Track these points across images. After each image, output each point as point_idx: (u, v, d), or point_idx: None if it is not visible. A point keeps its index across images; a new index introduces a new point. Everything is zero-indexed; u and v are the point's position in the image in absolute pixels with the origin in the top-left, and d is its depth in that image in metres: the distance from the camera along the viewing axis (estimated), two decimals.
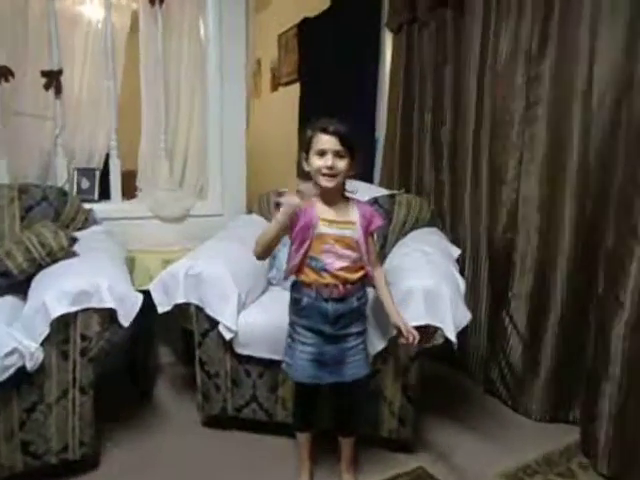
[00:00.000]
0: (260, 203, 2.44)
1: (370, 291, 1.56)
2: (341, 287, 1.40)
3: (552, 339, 1.93)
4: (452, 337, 1.54)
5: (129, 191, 2.54)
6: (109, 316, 1.49)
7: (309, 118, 3.37)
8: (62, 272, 1.56)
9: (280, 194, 1.44)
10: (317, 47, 3.43)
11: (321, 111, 3.26)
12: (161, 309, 1.76)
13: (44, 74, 2.14)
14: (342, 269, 1.38)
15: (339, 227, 1.38)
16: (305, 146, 1.39)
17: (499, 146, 2.07)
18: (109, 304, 1.46)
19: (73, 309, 1.43)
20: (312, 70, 3.53)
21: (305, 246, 1.37)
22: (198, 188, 2.55)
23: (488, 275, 2.21)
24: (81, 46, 2.33)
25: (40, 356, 1.41)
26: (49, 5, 2.13)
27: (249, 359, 1.75)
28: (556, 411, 1.97)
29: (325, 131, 1.34)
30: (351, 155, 1.36)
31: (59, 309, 1.40)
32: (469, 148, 2.24)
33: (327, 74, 3.28)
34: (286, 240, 2.17)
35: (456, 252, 2.06)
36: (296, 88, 3.76)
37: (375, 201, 2.25)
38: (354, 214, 1.41)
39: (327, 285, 1.39)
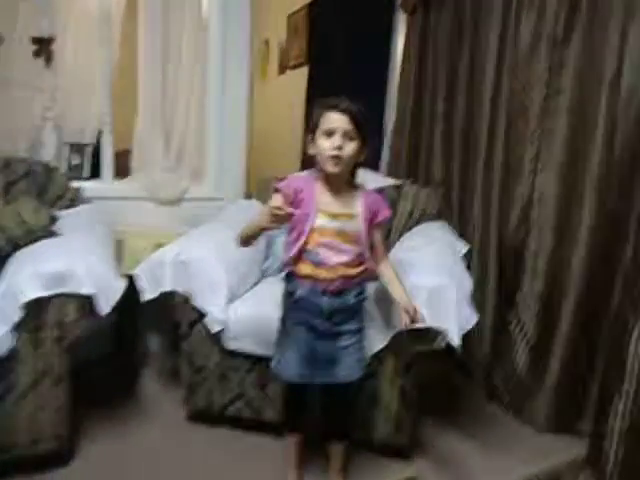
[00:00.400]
0: (260, 188, 2.32)
1: (371, 286, 1.45)
2: (338, 282, 1.28)
3: (562, 346, 1.81)
4: (456, 341, 1.42)
5: (122, 171, 2.42)
6: (87, 303, 1.38)
7: (315, 101, 3.27)
8: (39, 252, 1.45)
9: (282, 180, 1.31)
10: (328, 29, 3.28)
11: (328, 94, 3.17)
12: (147, 296, 1.65)
13: (34, 41, 2.02)
14: (341, 264, 1.26)
15: (340, 220, 1.26)
16: (312, 127, 1.26)
17: (515, 138, 1.94)
18: (86, 289, 1.35)
19: (47, 293, 1.32)
20: (322, 53, 3.38)
21: (302, 239, 1.26)
22: (195, 171, 2.43)
23: (496, 273, 2.08)
24: (76, 11, 2.19)
25: (10, 342, 1.31)
26: None
27: (237, 354, 1.64)
28: (562, 422, 1.85)
29: (335, 108, 1.22)
30: (362, 139, 1.24)
31: (31, 292, 1.30)
32: (483, 138, 2.10)
33: (337, 57, 3.13)
34: (284, 228, 2.11)
35: (463, 248, 1.94)
36: (304, 72, 3.61)
37: (380, 192, 2.12)
38: (359, 205, 1.29)
39: (323, 279, 1.28)
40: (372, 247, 1.33)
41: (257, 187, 2.33)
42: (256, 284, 1.90)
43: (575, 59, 1.73)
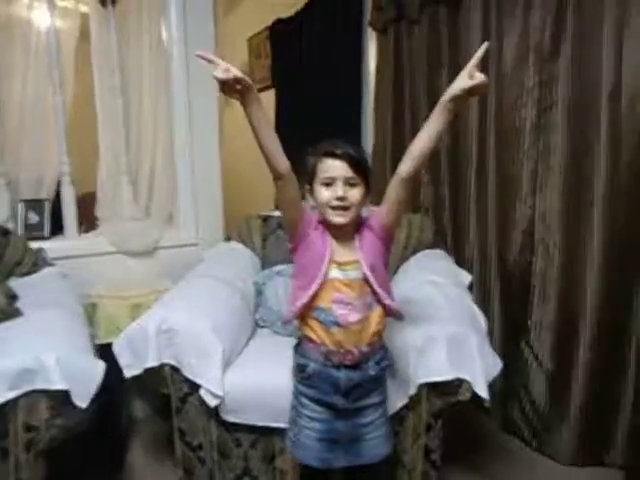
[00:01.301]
0: (240, 229, 2.15)
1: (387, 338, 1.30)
2: (356, 351, 1.11)
3: (582, 374, 1.70)
4: (484, 393, 1.29)
5: (89, 219, 2.22)
6: (61, 397, 1.18)
7: (286, 128, 3.13)
8: None
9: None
10: (292, 50, 3.16)
11: (299, 121, 3.03)
12: (129, 373, 1.45)
13: None
14: (357, 322, 1.10)
15: (350, 268, 1.10)
16: (308, 177, 1.12)
17: (509, 157, 1.84)
18: (59, 385, 1.15)
19: (11, 395, 1.12)
20: (287, 75, 3.26)
21: (313, 288, 1.08)
22: (167, 215, 2.24)
23: (500, 300, 1.97)
24: (21, 58, 1.98)
25: None
26: None
27: (239, 426, 1.46)
28: (589, 454, 1.74)
29: (331, 155, 1.07)
30: (366, 182, 1.09)
31: None
32: (472, 159, 2.00)
33: (303, 79, 3.01)
34: (271, 273, 1.94)
35: (467, 278, 1.82)
36: (271, 95, 3.48)
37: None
38: (356, 244, 1.12)
39: (338, 349, 1.11)
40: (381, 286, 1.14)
41: (237, 228, 2.16)
42: (250, 338, 1.73)
43: (567, 72, 1.65)
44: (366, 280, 1.10)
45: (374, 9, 2.40)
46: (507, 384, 1.96)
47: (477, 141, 1.97)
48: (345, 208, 1.07)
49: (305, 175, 1.15)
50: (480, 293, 2.05)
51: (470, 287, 1.89)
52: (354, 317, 1.10)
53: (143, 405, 2.11)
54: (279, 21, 3.31)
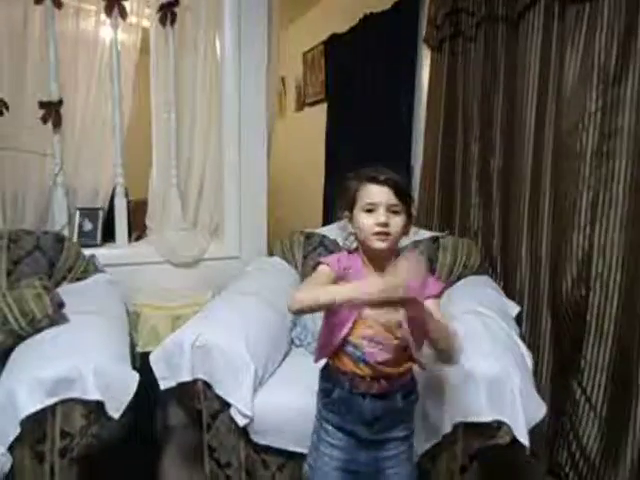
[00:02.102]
0: (283, 244, 2.16)
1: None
2: (383, 381, 1.08)
3: None
4: (524, 440, 1.21)
5: (141, 224, 2.30)
6: (96, 406, 1.21)
7: (336, 142, 3.12)
8: (41, 349, 1.29)
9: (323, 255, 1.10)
10: (346, 65, 3.16)
11: (349, 136, 3.02)
12: (164, 385, 1.48)
13: (42, 105, 1.91)
14: (385, 363, 1.07)
15: (386, 308, 1.07)
16: (348, 203, 1.10)
17: (566, 184, 1.73)
18: (94, 395, 1.18)
19: (50, 402, 1.16)
20: (340, 90, 3.27)
21: (347, 328, 1.07)
22: (213, 227, 2.28)
23: (552, 335, 1.86)
24: (85, 72, 2.10)
25: (7, 463, 1.14)
26: (48, 27, 1.91)
27: (268, 448, 1.45)
28: None
29: (374, 181, 1.05)
30: (407, 210, 1.06)
31: (31, 404, 1.13)
32: (526, 184, 1.90)
33: (356, 94, 3.00)
34: None
35: (514, 310, 1.74)
36: (323, 108, 3.50)
37: (415, 246, 1.94)
38: None
39: (364, 377, 1.08)
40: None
41: (279, 243, 2.16)
42: (284, 357, 1.71)
43: (633, 96, 1.53)
44: (401, 326, 1.06)
45: (429, 25, 2.35)
46: (556, 425, 1.83)
47: (532, 165, 1.88)
48: (387, 234, 1.04)
49: (344, 200, 1.13)
50: (529, 326, 1.94)
51: (518, 319, 1.80)
52: (382, 357, 1.07)
53: (179, 412, 2.14)
54: (334, 36, 3.33)
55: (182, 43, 2.18)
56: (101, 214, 2.08)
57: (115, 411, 1.22)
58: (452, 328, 1.09)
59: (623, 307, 1.60)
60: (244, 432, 1.44)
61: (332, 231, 2.10)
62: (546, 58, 1.79)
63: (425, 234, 1.99)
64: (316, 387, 1.20)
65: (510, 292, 1.95)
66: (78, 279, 1.82)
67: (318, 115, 3.58)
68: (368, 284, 0.97)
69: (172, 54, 2.12)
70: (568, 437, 1.76)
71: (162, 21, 2.07)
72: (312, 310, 1.04)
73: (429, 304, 1.09)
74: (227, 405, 1.43)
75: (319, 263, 1.13)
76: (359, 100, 2.97)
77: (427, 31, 2.38)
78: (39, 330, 1.38)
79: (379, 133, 2.76)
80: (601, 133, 1.63)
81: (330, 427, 1.14)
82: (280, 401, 1.44)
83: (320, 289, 1.03)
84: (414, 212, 1.13)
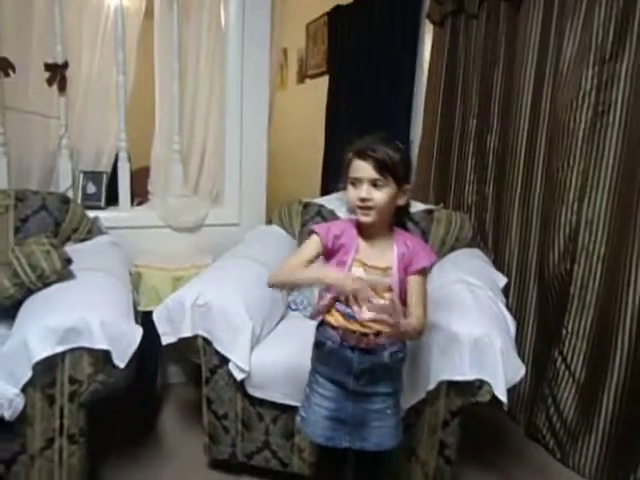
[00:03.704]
0: (281, 213, 2.21)
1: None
2: (372, 337, 1.16)
3: (615, 389, 1.65)
4: (503, 397, 1.29)
5: (142, 191, 2.34)
6: (103, 356, 1.29)
7: (338, 115, 3.14)
8: (50, 302, 1.36)
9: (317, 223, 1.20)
10: (349, 38, 3.16)
11: (351, 108, 3.04)
12: (165, 340, 1.56)
13: (47, 67, 1.94)
14: (374, 320, 1.14)
15: (375, 273, 1.14)
16: (345, 173, 1.15)
17: (558, 159, 1.78)
18: (101, 344, 1.25)
19: (59, 349, 1.23)
20: (342, 63, 3.27)
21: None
22: (214, 194, 2.33)
23: (537, 306, 1.94)
24: (90, 35, 2.10)
25: (21, 403, 1.22)
26: None
27: (262, 401, 1.54)
28: (615, 470, 1.70)
29: (359, 155, 1.10)
30: (396, 183, 1.11)
31: (42, 351, 1.20)
32: (520, 160, 1.96)
33: (359, 68, 3.01)
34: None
35: (502, 281, 1.80)
36: (325, 81, 3.50)
37: (410, 217, 2.00)
38: (392, 254, 1.16)
39: (355, 332, 1.16)
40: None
41: (278, 212, 2.22)
42: (281, 320, 1.79)
43: (628, 75, 1.58)
44: (391, 290, 1.14)
45: (433, 1, 2.36)
46: (535, 390, 1.93)
47: (526, 141, 1.93)
48: (369, 207, 1.10)
49: (343, 171, 1.18)
50: (516, 297, 2.03)
51: (506, 290, 1.88)
52: (369, 315, 1.11)
53: (179, 371, 2.23)
54: (338, 8, 3.32)
55: (186, 10, 2.18)
56: (105, 177, 2.12)
57: (120, 360, 1.30)
58: (420, 324, 1.14)
59: (605, 280, 1.68)
60: (241, 386, 1.52)
61: (330, 201, 2.15)
62: (545, 36, 1.82)
63: (420, 207, 2.05)
64: (309, 346, 1.27)
65: (500, 265, 2.02)
66: (82, 240, 1.88)
67: (320, 87, 3.58)
68: (337, 277, 1.10)
69: (176, 22, 2.13)
70: (547, 402, 1.86)
71: None
72: (284, 287, 1.13)
73: (412, 282, 1.16)
74: (225, 360, 1.51)
75: (312, 232, 1.20)
76: (361, 73, 2.98)
77: (430, 6, 2.39)
78: (48, 285, 1.45)
79: (380, 107, 2.79)
80: (594, 111, 1.68)
81: (321, 378, 1.22)
82: (275, 358, 1.52)
83: (293, 272, 1.18)
84: (409, 185, 1.18)
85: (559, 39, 1.76)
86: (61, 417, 1.29)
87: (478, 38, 2.12)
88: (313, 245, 1.19)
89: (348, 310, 1.14)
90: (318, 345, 1.23)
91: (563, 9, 1.74)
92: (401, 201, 1.15)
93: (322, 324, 1.23)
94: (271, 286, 1.27)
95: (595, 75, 1.65)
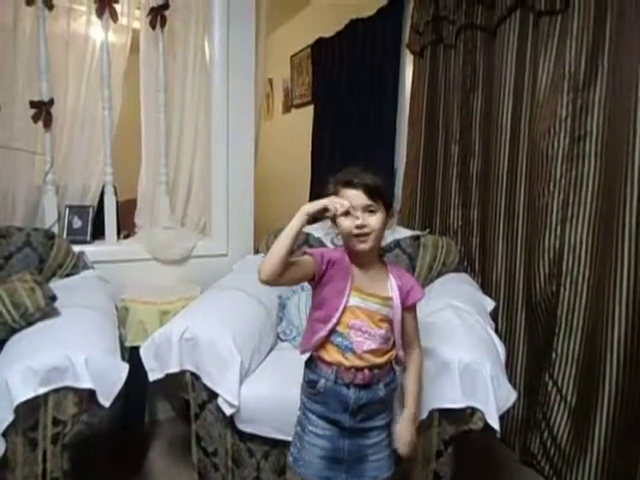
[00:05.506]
0: (268, 242, 2.21)
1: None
2: (367, 371, 1.14)
3: (607, 411, 1.64)
4: (494, 424, 1.28)
5: (129, 224, 2.34)
6: (87, 395, 1.26)
7: (323, 143, 3.19)
8: (33, 341, 1.33)
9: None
10: (332, 69, 3.24)
11: (335, 137, 3.09)
12: (153, 377, 1.53)
13: (33, 104, 1.95)
14: (370, 351, 1.13)
15: (374, 301, 1.14)
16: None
17: (539, 185, 1.82)
18: (85, 384, 1.23)
19: (42, 391, 1.20)
20: (326, 93, 3.34)
21: (334, 320, 1.12)
22: (201, 225, 2.33)
23: (526, 329, 1.95)
24: (76, 71, 2.12)
25: (1, 448, 1.18)
26: (39, 27, 1.94)
27: (253, 436, 1.50)
28: None
29: (349, 185, 1.11)
30: (385, 208, 1.13)
31: (24, 392, 1.18)
32: (502, 185, 2.00)
33: (342, 98, 3.08)
34: (295, 288, 1.98)
35: (490, 305, 1.81)
36: (310, 110, 3.56)
37: (397, 244, 2.02)
38: (391, 286, 1.16)
39: (349, 368, 1.14)
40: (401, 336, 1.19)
41: (265, 241, 2.22)
42: (270, 351, 1.77)
43: (601, 103, 1.63)
44: (390, 322, 1.15)
45: (412, 32, 2.44)
46: (529, 415, 1.92)
47: (508, 167, 1.97)
48: (366, 234, 1.11)
49: None
50: (505, 321, 2.03)
51: (494, 314, 1.88)
52: (369, 346, 1.12)
53: (167, 406, 2.19)
54: (321, 40, 3.40)
55: (172, 45, 2.22)
56: (91, 211, 2.11)
57: (105, 399, 1.27)
58: (420, 361, 1.25)
59: (591, 302, 1.69)
60: (230, 421, 1.49)
61: (317, 230, 2.16)
62: (521, 65, 1.89)
63: (406, 232, 2.07)
64: (299, 378, 1.25)
65: (487, 289, 2.04)
66: (67, 275, 1.86)
67: (305, 117, 3.64)
68: (320, 201, 1.10)
69: (162, 56, 2.17)
70: (540, 427, 1.85)
71: (152, 24, 2.12)
72: (278, 269, 1.06)
73: (409, 316, 1.19)
74: (214, 395, 1.48)
75: (305, 253, 1.16)
76: (345, 103, 3.05)
77: (410, 37, 2.46)
78: (31, 323, 1.43)
79: (364, 136, 2.84)
80: (572, 137, 1.72)
81: (314, 417, 1.18)
82: (265, 391, 1.49)
83: (276, 241, 1.09)
84: (395, 208, 1.20)
85: (534, 67, 1.82)
86: (44, 461, 1.25)
87: (457, 67, 2.19)
88: (306, 257, 1.13)
89: (346, 342, 1.13)
90: (310, 383, 1.19)
91: (537, 39, 1.80)
92: (389, 225, 1.16)
93: (312, 360, 1.21)
94: (265, 281, 1.11)
95: (570, 102, 1.70)
